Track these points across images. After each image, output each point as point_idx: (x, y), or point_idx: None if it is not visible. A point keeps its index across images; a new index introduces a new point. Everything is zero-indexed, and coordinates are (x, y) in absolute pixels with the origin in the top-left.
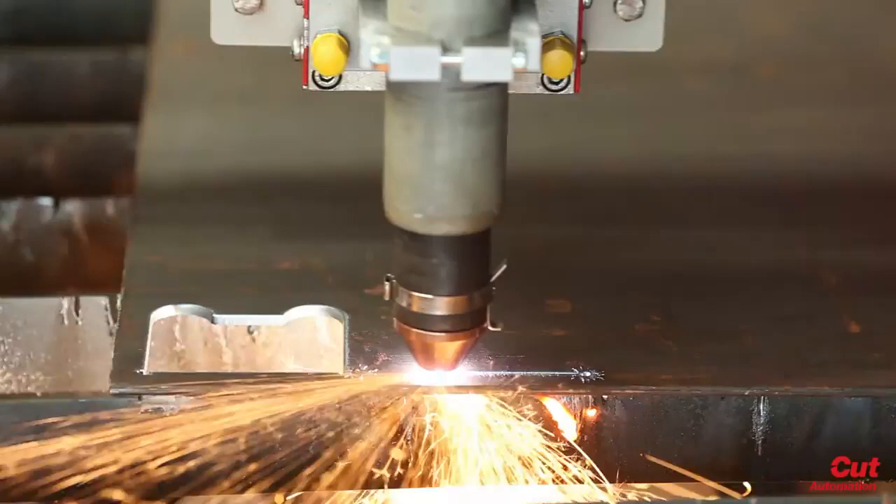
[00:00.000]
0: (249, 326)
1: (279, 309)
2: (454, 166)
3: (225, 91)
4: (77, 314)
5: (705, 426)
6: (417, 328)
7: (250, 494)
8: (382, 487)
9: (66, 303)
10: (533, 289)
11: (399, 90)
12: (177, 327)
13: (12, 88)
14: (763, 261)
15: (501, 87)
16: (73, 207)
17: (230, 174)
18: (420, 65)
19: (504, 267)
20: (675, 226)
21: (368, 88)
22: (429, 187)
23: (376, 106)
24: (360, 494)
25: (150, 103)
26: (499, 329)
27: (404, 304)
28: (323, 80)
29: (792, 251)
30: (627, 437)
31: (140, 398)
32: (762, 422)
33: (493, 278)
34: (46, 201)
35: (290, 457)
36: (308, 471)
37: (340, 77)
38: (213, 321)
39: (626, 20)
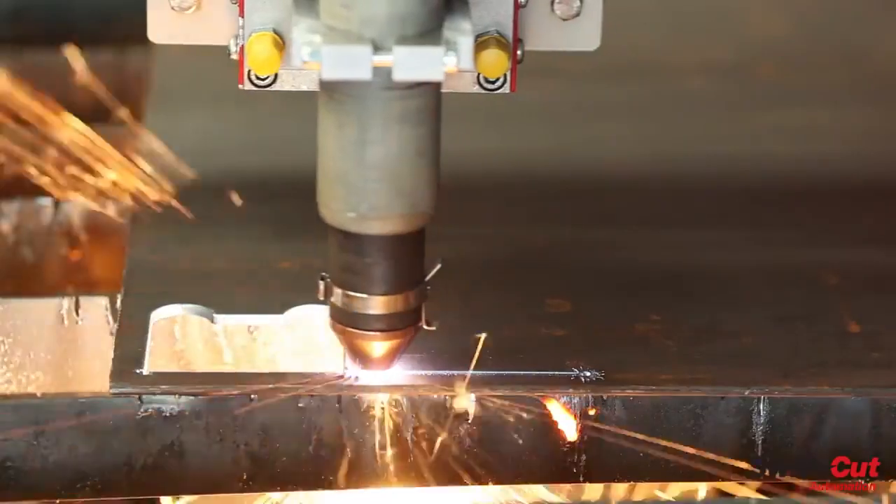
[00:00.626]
0: (249, 326)
1: (279, 309)
2: (387, 165)
3: (225, 91)
4: (77, 314)
5: (705, 426)
6: (351, 327)
7: (250, 494)
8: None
9: (66, 303)
10: (533, 288)
11: (332, 88)
12: (177, 327)
13: (12, 88)
14: (763, 260)
15: (435, 87)
16: (73, 207)
17: (230, 174)
18: (351, 64)
19: (439, 266)
20: (675, 226)
21: (304, 88)
22: (362, 186)
23: None
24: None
25: (150, 103)
26: (433, 328)
27: (338, 303)
28: (259, 79)
29: (792, 250)
30: (627, 438)
31: (140, 398)
32: (762, 422)
33: (428, 278)
34: (46, 201)
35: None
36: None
37: (276, 76)
38: (213, 321)
39: (564, 19)
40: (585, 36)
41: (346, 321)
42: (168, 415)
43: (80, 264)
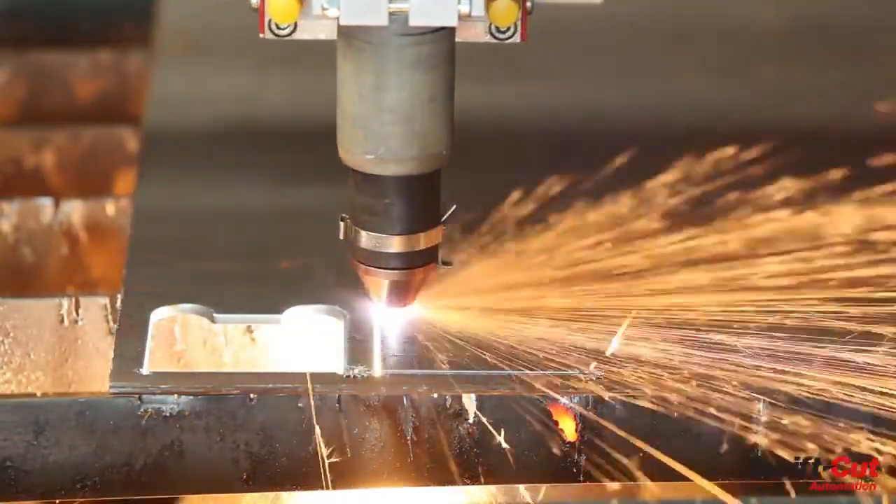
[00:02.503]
0: (249, 326)
1: (279, 309)
2: (403, 109)
3: (225, 92)
4: (77, 314)
5: (705, 426)
6: (370, 265)
7: (250, 494)
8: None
9: (66, 303)
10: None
11: (349, 35)
12: (177, 327)
13: (12, 88)
14: (763, 260)
15: (449, 33)
16: (72, 207)
17: (231, 174)
18: (368, 10)
19: (454, 208)
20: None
21: (323, 37)
22: (379, 130)
23: None
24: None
25: (150, 103)
26: (450, 266)
27: (358, 242)
28: (279, 28)
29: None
30: (627, 438)
31: (140, 398)
32: (761, 422)
33: (444, 219)
34: (46, 201)
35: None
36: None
37: (296, 25)
38: (213, 321)
39: None
40: None
41: (366, 260)
42: (168, 415)
43: (80, 264)
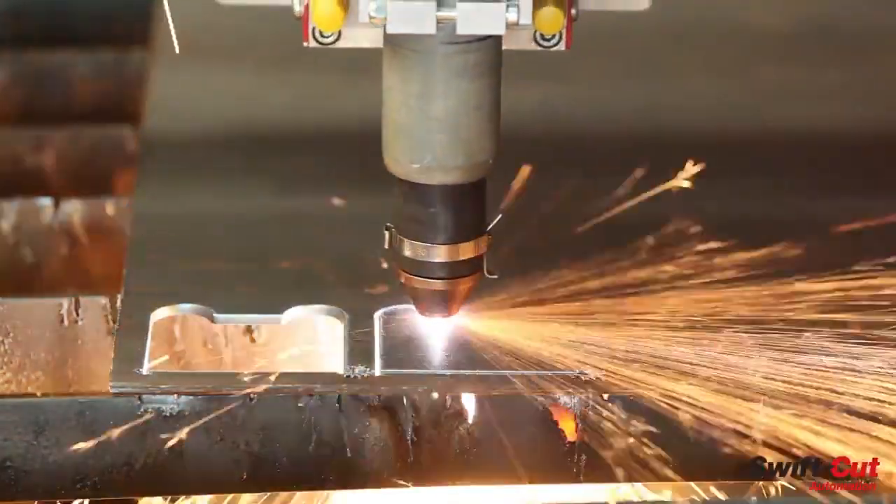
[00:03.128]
0: (249, 326)
1: (279, 309)
2: (449, 118)
3: (225, 92)
4: (77, 314)
5: (705, 426)
6: (416, 275)
7: (250, 495)
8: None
9: (66, 303)
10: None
11: (396, 44)
12: (177, 327)
13: (12, 88)
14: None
15: (495, 41)
16: (73, 207)
17: (231, 175)
18: (416, 18)
19: (500, 217)
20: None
21: (366, 45)
22: (425, 138)
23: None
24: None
25: (149, 103)
26: (495, 276)
27: (403, 252)
28: (323, 36)
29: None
30: (626, 437)
31: (140, 398)
32: (761, 422)
33: (489, 227)
34: (46, 201)
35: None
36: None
37: (339, 34)
38: (213, 321)
39: None
40: None
41: (411, 269)
42: (168, 415)
43: (80, 264)
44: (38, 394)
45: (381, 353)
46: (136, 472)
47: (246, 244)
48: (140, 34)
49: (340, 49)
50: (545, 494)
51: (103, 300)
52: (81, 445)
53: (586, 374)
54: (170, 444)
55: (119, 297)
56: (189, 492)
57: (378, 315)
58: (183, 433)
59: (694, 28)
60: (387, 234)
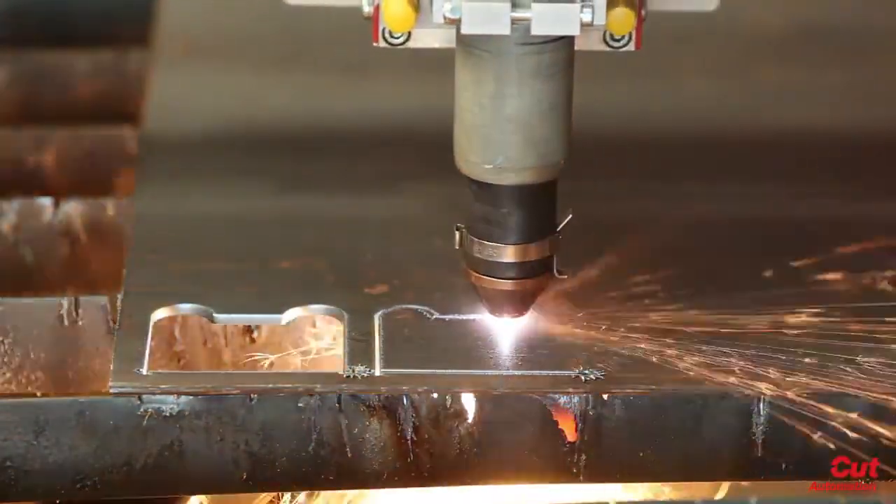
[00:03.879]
0: (249, 326)
1: (279, 309)
2: (523, 118)
3: (225, 92)
4: (77, 314)
5: (705, 426)
6: (487, 275)
7: (251, 495)
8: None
9: (65, 303)
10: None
11: (469, 45)
12: (177, 327)
13: (12, 88)
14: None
15: (569, 41)
16: (72, 207)
17: (231, 174)
18: (490, 19)
19: (570, 216)
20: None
21: (436, 45)
22: (498, 139)
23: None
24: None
25: (149, 103)
26: (565, 277)
27: (473, 251)
28: (393, 37)
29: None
30: (627, 437)
31: (140, 398)
32: (762, 422)
33: (560, 227)
34: (46, 201)
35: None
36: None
37: (409, 34)
38: (213, 321)
39: None
40: None
41: (482, 269)
42: (168, 415)
43: (80, 264)
44: (38, 394)
45: (381, 353)
46: (136, 472)
47: (246, 244)
48: (140, 34)
49: (346, 48)
50: (545, 494)
51: (103, 300)
52: (81, 445)
53: (586, 373)
54: (170, 443)
55: (119, 297)
56: (189, 492)
57: (378, 315)
58: (183, 433)
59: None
60: (457, 233)
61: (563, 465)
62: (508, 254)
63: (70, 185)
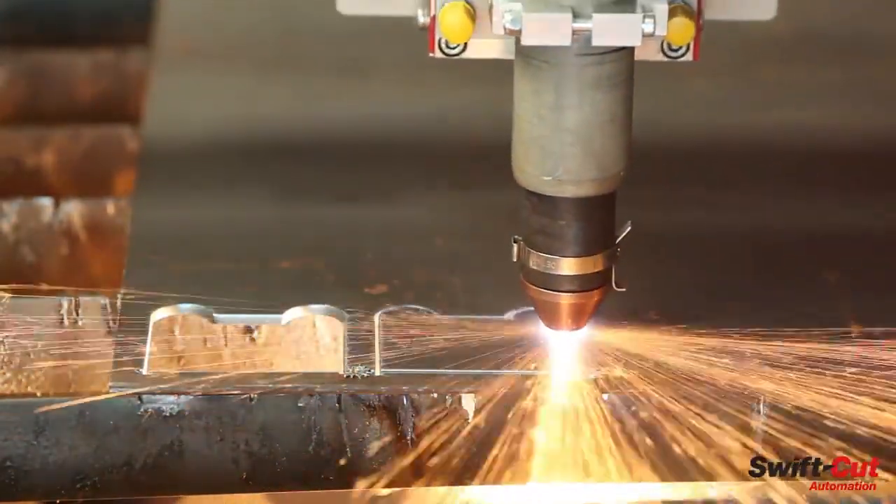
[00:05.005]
0: (249, 326)
1: (279, 309)
2: (582, 130)
3: (225, 93)
4: (77, 314)
5: (705, 425)
6: (544, 288)
7: (251, 495)
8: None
9: (65, 303)
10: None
11: (528, 55)
12: (177, 327)
13: (12, 88)
14: (763, 260)
15: (628, 52)
16: (73, 207)
17: (231, 175)
18: (551, 30)
19: (629, 228)
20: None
21: (493, 56)
22: (557, 150)
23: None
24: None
25: (149, 103)
26: (623, 290)
27: (531, 264)
28: (449, 47)
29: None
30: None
31: (140, 398)
32: (762, 422)
33: (619, 239)
34: (46, 201)
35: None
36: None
37: (466, 45)
38: (213, 321)
39: None
40: (762, 5)
41: (539, 282)
42: (168, 415)
43: (80, 264)
44: (38, 394)
45: (381, 353)
46: (136, 472)
47: (246, 244)
48: (140, 34)
49: (354, 50)
50: (548, 494)
51: (103, 300)
52: (81, 445)
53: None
54: (170, 444)
55: (119, 297)
56: (189, 492)
57: (378, 315)
58: (183, 433)
59: None
60: (514, 246)
61: (564, 464)
62: (567, 266)
63: (70, 185)
